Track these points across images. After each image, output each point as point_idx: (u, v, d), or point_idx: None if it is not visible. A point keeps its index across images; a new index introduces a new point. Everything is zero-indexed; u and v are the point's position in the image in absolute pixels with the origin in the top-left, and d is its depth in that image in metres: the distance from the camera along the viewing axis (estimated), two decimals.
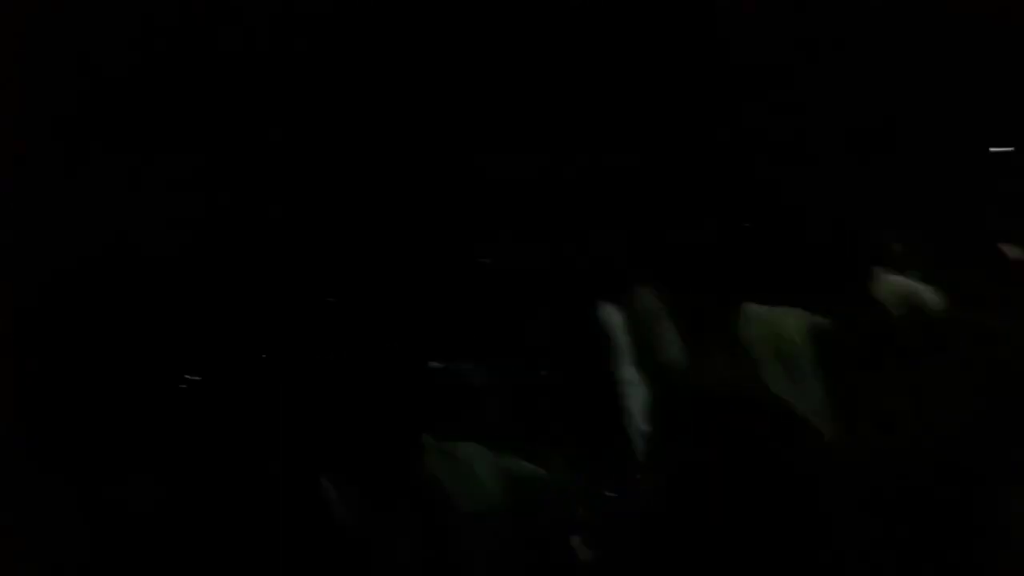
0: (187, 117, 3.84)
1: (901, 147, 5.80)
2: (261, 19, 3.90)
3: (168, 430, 3.35)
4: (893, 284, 3.39)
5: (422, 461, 3.06)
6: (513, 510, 3.06)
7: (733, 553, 3.13)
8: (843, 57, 5.38)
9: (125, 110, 3.81)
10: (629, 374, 4.48)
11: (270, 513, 3.10)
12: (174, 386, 3.47)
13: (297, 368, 3.46)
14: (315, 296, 3.79)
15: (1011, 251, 4.58)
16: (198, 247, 3.76)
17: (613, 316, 4.49)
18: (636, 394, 4.36)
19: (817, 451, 3.17)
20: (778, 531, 3.15)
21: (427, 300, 4.00)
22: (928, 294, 3.42)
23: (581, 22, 4.38)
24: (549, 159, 4.32)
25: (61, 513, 3.26)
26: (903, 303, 3.41)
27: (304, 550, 3.02)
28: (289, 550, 3.05)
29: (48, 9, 3.74)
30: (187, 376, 3.47)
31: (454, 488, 3.01)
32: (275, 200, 3.90)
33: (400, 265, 4.27)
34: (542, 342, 4.25)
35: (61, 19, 3.75)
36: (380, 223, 4.47)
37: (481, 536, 3.02)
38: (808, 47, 5.19)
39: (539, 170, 4.40)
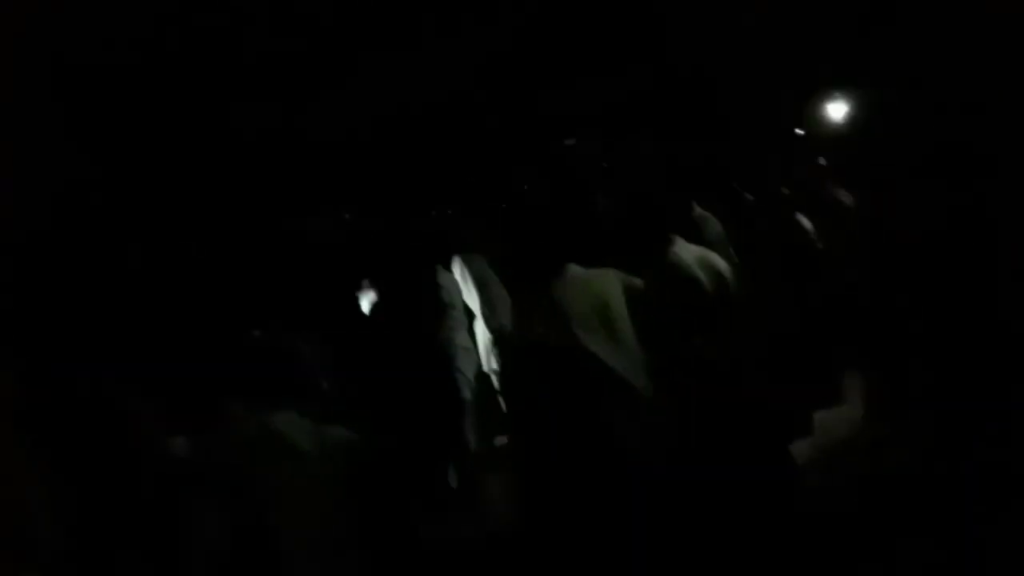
0: None
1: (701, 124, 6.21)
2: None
3: None
4: (692, 252, 3.68)
5: (232, 430, 2.97)
6: (334, 478, 3.03)
7: (561, 492, 3.36)
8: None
9: None
10: (461, 339, 4.58)
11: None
12: None
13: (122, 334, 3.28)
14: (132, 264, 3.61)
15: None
16: None
17: (447, 282, 4.60)
18: (469, 358, 4.49)
19: (632, 404, 3.41)
20: (598, 480, 3.33)
21: (251, 269, 3.91)
22: (721, 261, 3.73)
23: None
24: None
25: None
26: (703, 268, 3.68)
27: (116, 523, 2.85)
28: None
29: None
30: None
31: (268, 457, 2.93)
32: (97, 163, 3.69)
33: (224, 234, 4.14)
34: (376, 311, 4.26)
35: None
36: (206, 193, 4.31)
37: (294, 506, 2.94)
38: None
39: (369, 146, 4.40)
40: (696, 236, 4.26)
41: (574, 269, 3.52)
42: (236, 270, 3.81)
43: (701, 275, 3.65)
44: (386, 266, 4.25)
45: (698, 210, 4.56)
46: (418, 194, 5.28)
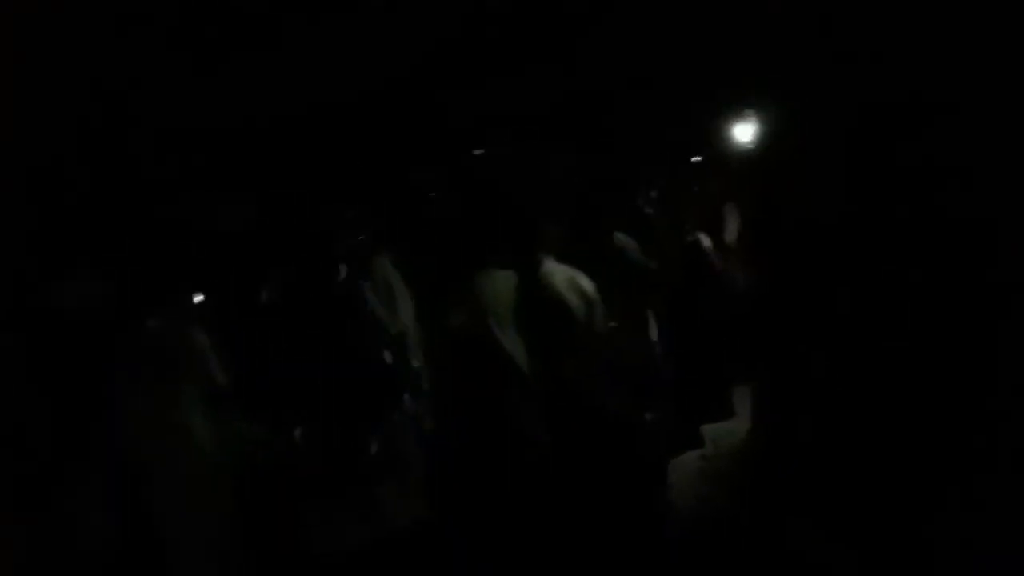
0: None
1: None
2: None
3: None
4: (559, 272, 3.88)
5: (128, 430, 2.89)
6: (229, 474, 2.97)
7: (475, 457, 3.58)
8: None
9: None
10: (368, 335, 4.60)
11: None
12: None
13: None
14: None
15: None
16: None
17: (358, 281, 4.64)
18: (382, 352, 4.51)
19: (521, 382, 3.70)
20: (505, 445, 3.61)
21: (151, 257, 3.80)
22: (585, 280, 3.90)
23: None
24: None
25: None
26: (570, 285, 3.87)
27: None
28: None
29: None
30: None
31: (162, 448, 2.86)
32: None
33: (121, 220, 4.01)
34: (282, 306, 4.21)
35: None
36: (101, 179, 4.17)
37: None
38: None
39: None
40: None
41: (487, 270, 3.77)
42: (135, 258, 3.69)
43: (571, 297, 3.89)
44: (295, 260, 4.22)
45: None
46: (326, 192, 5.24)
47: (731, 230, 5.31)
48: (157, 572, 2.65)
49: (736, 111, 5.56)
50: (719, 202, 5.55)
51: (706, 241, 5.19)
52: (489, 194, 5.30)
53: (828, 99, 4.09)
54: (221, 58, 4.89)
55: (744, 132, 5.66)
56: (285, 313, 4.08)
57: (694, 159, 6.79)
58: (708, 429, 4.85)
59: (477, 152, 6.15)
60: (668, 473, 4.44)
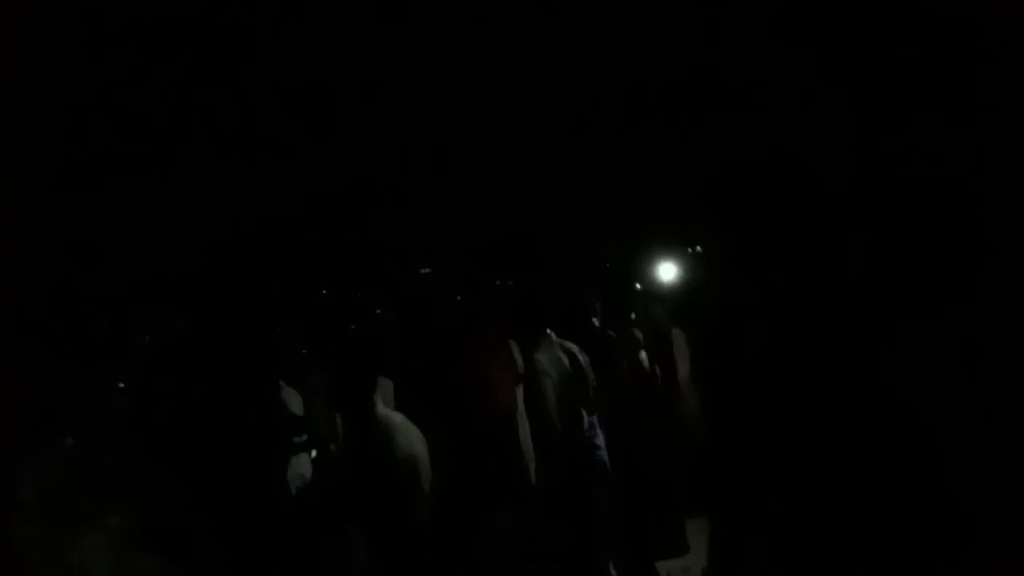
0: None
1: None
2: None
3: None
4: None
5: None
6: None
7: None
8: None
9: None
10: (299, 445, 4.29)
11: None
12: None
13: None
14: None
15: None
16: None
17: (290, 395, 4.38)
18: (304, 466, 4.18)
19: None
20: None
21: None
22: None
23: None
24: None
25: None
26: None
27: None
28: None
29: None
30: None
31: None
32: None
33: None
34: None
35: None
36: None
37: None
38: None
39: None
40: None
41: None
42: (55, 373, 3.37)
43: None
44: (218, 377, 3.93)
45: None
46: (255, 310, 5.03)
47: (682, 365, 5.16)
48: None
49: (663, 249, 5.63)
50: (664, 333, 5.43)
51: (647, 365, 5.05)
52: (422, 311, 5.24)
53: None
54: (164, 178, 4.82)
55: (669, 271, 5.68)
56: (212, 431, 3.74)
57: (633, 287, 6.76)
58: (664, 565, 4.58)
59: (418, 272, 6.02)
60: None
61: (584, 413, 4.54)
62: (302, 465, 4.09)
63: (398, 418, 3.80)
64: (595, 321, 5.36)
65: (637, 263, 6.19)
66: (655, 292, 5.91)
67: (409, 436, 3.74)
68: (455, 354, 4.54)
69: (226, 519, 3.40)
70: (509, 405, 4.40)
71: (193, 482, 3.65)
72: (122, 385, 3.81)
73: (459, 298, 5.45)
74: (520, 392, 4.41)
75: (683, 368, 5.07)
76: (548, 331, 4.60)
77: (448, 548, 3.83)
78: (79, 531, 2.44)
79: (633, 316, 5.63)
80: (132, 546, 2.61)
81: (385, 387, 3.90)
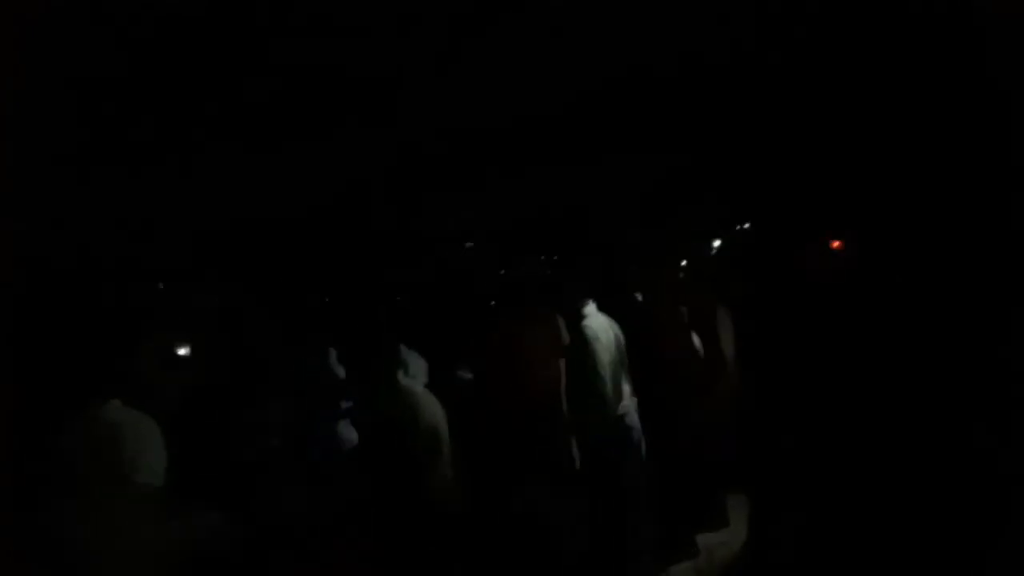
0: None
1: None
2: None
3: None
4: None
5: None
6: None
7: None
8: None
9: None
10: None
11: None
12: None
13: None
14: None
15: None
16: None
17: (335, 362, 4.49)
18: (349, 430, 4.28)
19: None
20: None
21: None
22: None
23: None
24: None
25: None
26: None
27: None
28: None
29: None
30: None
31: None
32: None
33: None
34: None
35: None
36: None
37: None
38: None
39: None
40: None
41: None
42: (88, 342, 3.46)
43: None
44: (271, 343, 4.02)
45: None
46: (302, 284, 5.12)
47: (725, 340, 5.10)
48: None
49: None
50: (707, 308, 5.37)
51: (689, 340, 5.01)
52: (464, 284, 5.25)
53: None
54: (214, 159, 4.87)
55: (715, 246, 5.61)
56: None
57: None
58: (703, 539, 4.56)
59: (461, 246, 6.03)
60: None
61: (625, 385, 4.55)
62: (347, 430, 4.14)
63: (420, 389, 3.85)
64: (637, 296, 5.34)
65: (684, 237, 6.12)
66: (698, 266, 5.86)
67: (431, 407, 3.79)
68: (499, 326, 4.56)
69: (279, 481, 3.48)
70: (553, 376, 4.41)
71: (241, 446, 3.74)
72: (181, 350, 3.92)
73: (502, 271, 5.46)
74: (563, 364, 4.41)
75: (726, 344, 5.03)
76: (592, 302, 4.60)
77: (471, 519, 3.86)
78: (126, 487, 2.48)
79: (674, 291, 5.61)
80: (175, 504, 2.66)
81: (414, 360, 3.95)
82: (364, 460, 3.83)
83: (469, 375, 4.43)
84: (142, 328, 3.88)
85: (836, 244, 4.41)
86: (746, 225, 5.46)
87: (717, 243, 5.66)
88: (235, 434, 3.78)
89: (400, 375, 3.82)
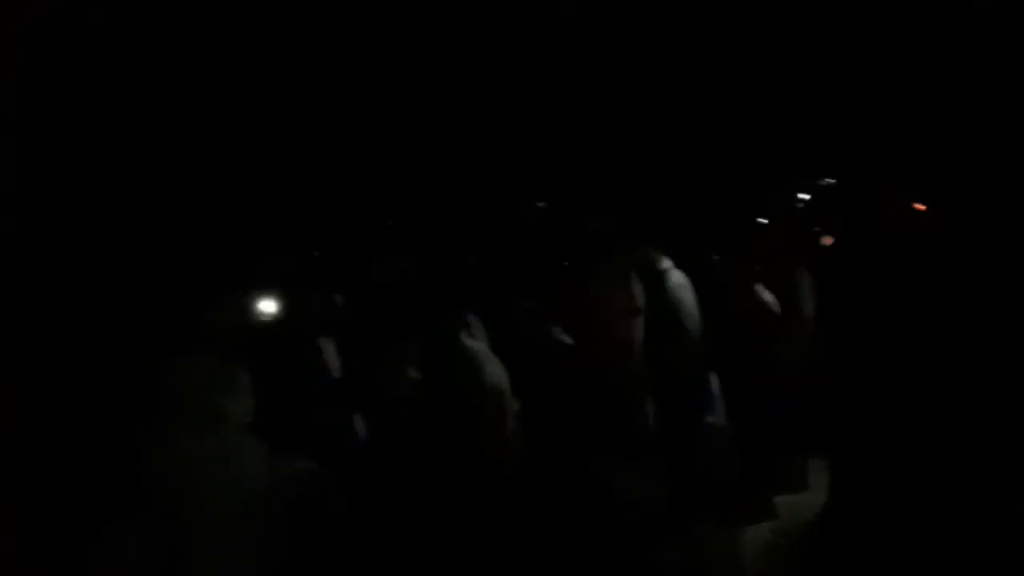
0: None
1: None
2: None
3: None
4: None
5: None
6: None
7: None
8: None
9: None
10: None
11: None
12: None
13: None
14: None
15: None
16: None
17: None
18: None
19: None
20: None
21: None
22: None
23: None
24: None
25: None
26: None
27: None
28: None
29: None
30: None
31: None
32: None
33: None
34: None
35: None
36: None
37: None
38: None
39: None
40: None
41: None
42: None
43: None
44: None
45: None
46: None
47: (804, 301, 4.98)
48: None
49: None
50: (786, 268, 5.24)
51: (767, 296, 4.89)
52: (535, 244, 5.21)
53: None
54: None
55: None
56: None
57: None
58: (782, 501, 4.50)
59: (533, 205, 5.95)
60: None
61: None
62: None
63: (484, 349, 3.83)
64: (715, 258, 5.25)
65: (765, 192, 5.95)
66: (778, 223, 5.72)
67: (494, 367, 3.77)
68: (572, 287, 4.52)
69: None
70: (629, 339, 4.36)
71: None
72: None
73: (574, 230, 5.39)
74: (639, 325, 4.36)
75: (806, 305, 4.92)
76: (670, 260, 4.53)
77: (535, 485, 3.85)
78: (226, 428, 2.54)
79: (753, 249, 5.49)
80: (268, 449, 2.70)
81: (476, 322, 3.94)
82: (427, 422, 3.83)
83: (565, 338, 4.36)
84: (226, 282, 3.94)
85: (922, 207, 4.28)
86: (831, 181, 5.30)
87: (800, 198, 5.49)
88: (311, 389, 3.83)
89: (464, 336, 3.81)
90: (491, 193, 6.10)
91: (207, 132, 4.50)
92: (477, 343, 3.86)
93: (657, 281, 4.45)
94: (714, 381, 4.53)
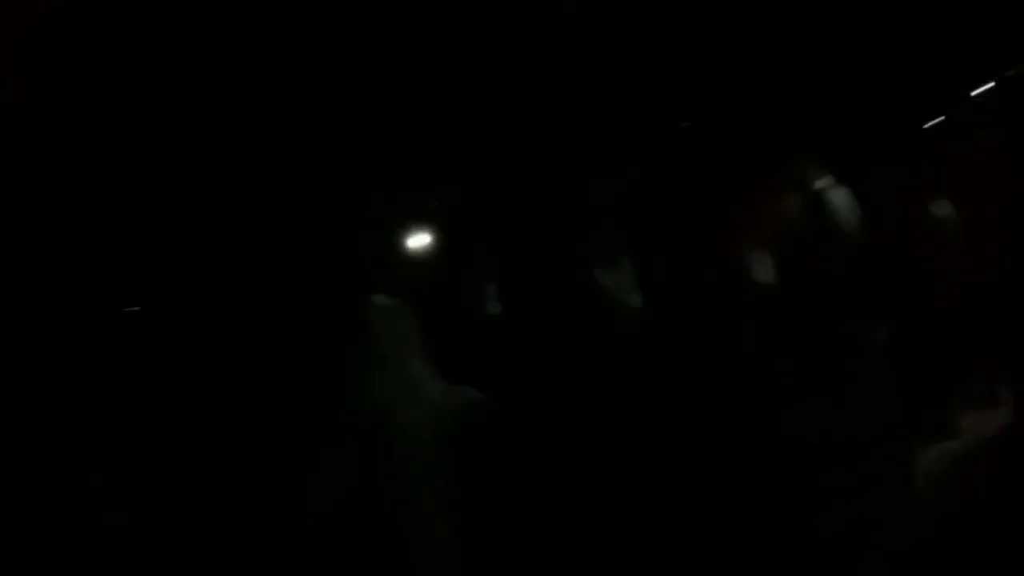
0: None
1: None
2: None
3: None
4: None
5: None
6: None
7: None
8: None
9: None
10: None
11: None
12: None
13: None
14: None
15: None
16: None
17: None
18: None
19: None
20: None
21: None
22: None
23: None
24: None
25: None
26: None
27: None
28: None
29: None
30: None
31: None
32: None
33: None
34: None
35: None
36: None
37: None
38: None
39: None
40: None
41: None
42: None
43: None
44: None
45: None
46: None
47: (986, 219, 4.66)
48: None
49: None
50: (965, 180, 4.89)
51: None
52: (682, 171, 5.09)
53: None
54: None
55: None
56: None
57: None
58: (969, 420, 4.30)
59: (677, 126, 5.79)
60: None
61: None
62: None
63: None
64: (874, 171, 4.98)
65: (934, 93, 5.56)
66: (952, 131, 5.37)
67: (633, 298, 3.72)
68: (732, 221, 4.39)
69: None
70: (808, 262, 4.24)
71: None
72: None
73: (728, 153, 5.22)
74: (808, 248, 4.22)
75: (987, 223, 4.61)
76: (827, 177, 4.36)
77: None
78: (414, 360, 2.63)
79: (923, 162, 5.18)
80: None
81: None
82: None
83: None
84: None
85: None
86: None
87: (980, 91, 4.99)
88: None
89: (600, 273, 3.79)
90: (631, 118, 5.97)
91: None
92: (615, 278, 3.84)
93: (810, 200, 4.28)
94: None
